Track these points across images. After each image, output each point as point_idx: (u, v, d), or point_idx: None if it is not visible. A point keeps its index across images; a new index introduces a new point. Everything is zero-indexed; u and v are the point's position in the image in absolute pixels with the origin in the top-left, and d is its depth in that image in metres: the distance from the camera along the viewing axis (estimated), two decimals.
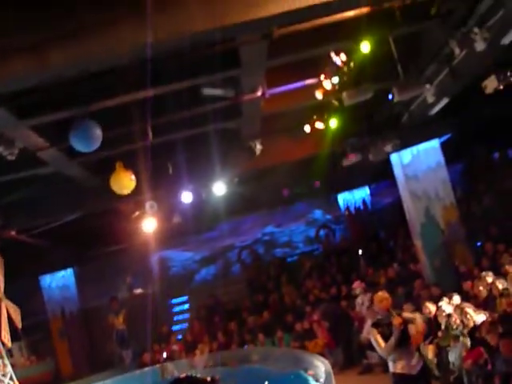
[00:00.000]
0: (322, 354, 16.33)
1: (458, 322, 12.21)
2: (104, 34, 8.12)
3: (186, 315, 25.67)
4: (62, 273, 26.89)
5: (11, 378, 18.56)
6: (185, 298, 26.16)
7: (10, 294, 19.08)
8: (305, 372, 14.72)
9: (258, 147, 15.63)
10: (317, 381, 13.07)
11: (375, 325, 8.95)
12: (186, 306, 26.11)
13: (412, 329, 9.16)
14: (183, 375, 4.33)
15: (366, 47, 11.01)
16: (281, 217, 26.88)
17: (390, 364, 8.82)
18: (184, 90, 11.89)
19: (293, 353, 16.96)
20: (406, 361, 8.67)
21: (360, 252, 22.82)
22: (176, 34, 8.20)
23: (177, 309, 25.86)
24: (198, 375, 4.18)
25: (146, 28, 7.70)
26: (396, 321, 8.63)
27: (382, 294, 9.21)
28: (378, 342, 8.77)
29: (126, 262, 25.91)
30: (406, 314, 9.36)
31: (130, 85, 10.98)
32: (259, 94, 12.39)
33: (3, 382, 18.18)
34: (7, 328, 18.85)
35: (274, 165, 18.36)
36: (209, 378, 4.71)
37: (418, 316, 9.94)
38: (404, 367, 8.65)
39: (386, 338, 8.73)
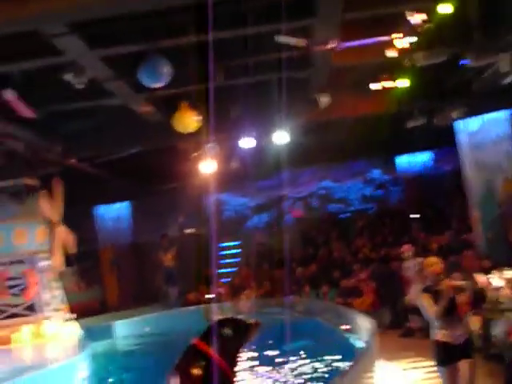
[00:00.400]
0: (368, 313, 16.37)
1: (509, 295, 12.09)
2: None
3: (236, 259, 25.86)
4: (117, 205, 27.30)
5: (60, 301, 19.02)
6: (235, 243, 26.33)
7: (65, 219, 19.45)
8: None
9: (324, 100, 15.50)
10: (359, 339, 13.11)
11: (425, 290, 8.83)
12: (236, 251, 26.29)
13: (461, 298, 9.01)
14: (227, 317, 4.35)
15: (445, 8, 10.77)
16: (339, 172, 26.75)
17: (435, 331, 8.68)
18: (257, 35, 11.81)
19: (337, 308, 17.00)
20: (450, 330, 8.52)
21: (414, 216, 22.67)
22: None
23: (227, 252, 26.05)
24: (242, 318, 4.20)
25: None
26: (446, 286, 8.53)
27: (434, 259, 9.06)
28: (428, 306, 8.65)
29: (180, 201, 26.13)
30: (456, 282, 9.24)
31: (204, 25, 10.94)
32: (332, 46, 12.24)
33: (52, 303, 18.63)
34: (60, 252, 19.27)
35: (338, 119, 18.24)
36: (252, 321, 4.73)
37: (467, 285, 9.76)
38: (448, 336, 8.51)
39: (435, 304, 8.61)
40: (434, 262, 8.92)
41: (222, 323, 4.47)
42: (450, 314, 8.51)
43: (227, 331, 4.18)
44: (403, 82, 14.74)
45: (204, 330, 4.15)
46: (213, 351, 3.67)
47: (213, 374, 3.60)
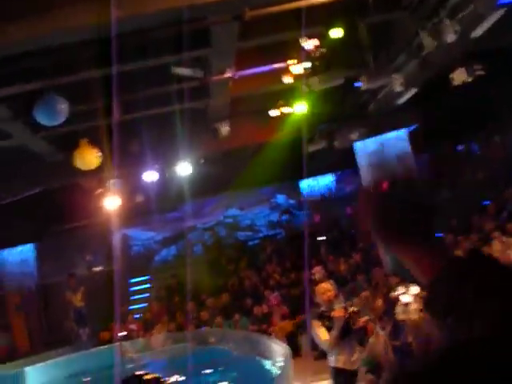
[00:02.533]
0: (288, 336, 16.43)
1: (418, 310, 12.28)
2: (66, 11, 8.01)
3: (146, 295, 25.60)
4: (20, 247, 26.65)
5: None
6: (145, 278, 26.08)
7: None
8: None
9: (225, 129, 15.57)
10: (274, 365, 13.11)
11: (318, 317, 8.71)
12: (146, 286, 26.03)
13: (362, 320, 8.87)
14: (135, 373, 4.28)
15: (336, 33, 10.99)
16: (244, 200, 26.87)
17: (331, 358, 8.59)
18: (152, 67, 11.80)
19: (251, 336, 16.98)
20: (347, 356, 8.47)
21: (321, 238, 22.92)
22: (141, 11, 8.11)
23: (137, 288, 25.77)
24: (147, 375, 4.13)
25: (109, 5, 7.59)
26: (337, 313, 8.38)
27: (325, 285, 8.91)
28: (319, 335, 8.53)
29: (86, 239, 25.75)
30: (352, 308, 9.17)
31: (99, 60, 10.86)
32: (228, 75, 12.32)
33: None
34: None
35: (239, 147, 18.34)
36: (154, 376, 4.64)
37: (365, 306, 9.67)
38: (345, 362, 8.44)
39: (329, 331, 8.47)
40: (327, 289, 8.79)
41: (141, 382, 4.39)
42: (346, 339, 8.43)
43: None
44: (301, 107, 14.93)
45: (124, 378, 4.10)
46: None
47: None
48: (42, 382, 18.93)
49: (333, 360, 8.53)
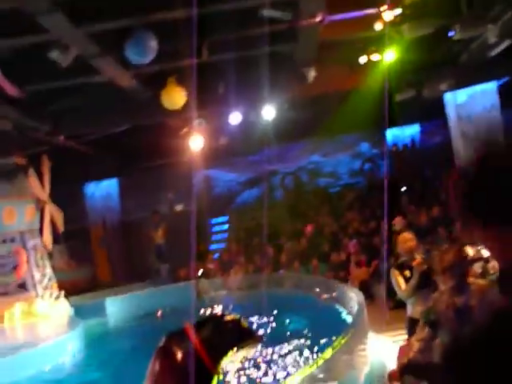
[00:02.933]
0: (363, 285, 16.46)
1: (496, 267, 12.13)
2: None
3: (225, 235, 25.89)
4: (106, 182, 27.22)
5: (50, 279, 19.04)
6: (225, 219, 26.35)
7: (54, 198, 19.43)
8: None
9: (312, 74, 15.46)
10: (348, 312, 13.18)
11: (397, 266, 8.74)
12: (226, 226, 26.31)
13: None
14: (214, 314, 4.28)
15: None
16: (327, 146, 26.73)
17: (409, 307, 8.64)
18: (244, 9, 11.76)
19: (327, 282, 17.05)
20: (423, 306, 8.45)
21: (403, 189, 22.70)
22: None
23: (217, 228, 26.08)
24: (227, 315, 4.11)
25: None
26: (417, 263, 8.38)
27: (406, 235, 8.92)
28: (398, 283, 8.55)
29: (170, 178, 26.07)
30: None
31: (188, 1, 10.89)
32: (318, 19, 12.18)
33: (42, 281, 18.66)
34: (49, 231, 19.28)
35: (325, 93, 18.20)
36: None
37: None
38: (421, 312, 8.46)
39: (407, 281, 8.52)
40: (408, 239, 8.77)
41: (220, 322, 4.33)
42: (424, 290, 8.41)
43: (224, 332, 4.10)
44: (391, 55, 14.71)
45: (203, 318, 4.13)
46: (199, 341, 3.65)
47: (192, 363, 3.60)
48: (121, 313, 19.43)
49: (410, 309, 8.57)
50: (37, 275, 18.47)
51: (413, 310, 8.52)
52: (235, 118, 18.14)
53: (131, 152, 23.78)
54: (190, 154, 19.85)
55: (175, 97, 14.28)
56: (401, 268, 8.61)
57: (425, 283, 8.41)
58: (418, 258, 8.46)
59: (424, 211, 19.46)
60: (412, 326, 8.55)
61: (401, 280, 8.53)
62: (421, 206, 20.27)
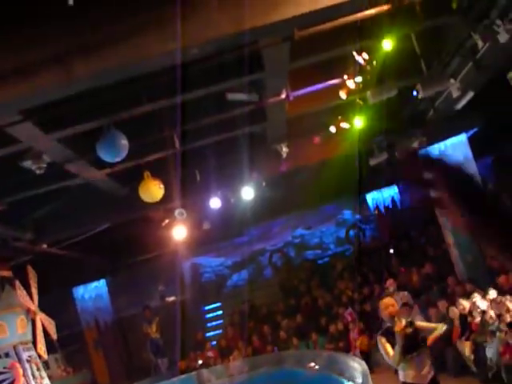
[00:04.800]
0: (365, 353, 16.30)
1: (494, 317, 12.10)
2: (128, 44, 8.17)
3: (220, 321, 25.68)
4: (94, 283, 27.05)
5: None
6: (218, 305, 26.17)
7: (43, 306, 19.25)
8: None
9: (285, 150, 15.60)
10: (350, 381, 13.03)
11: (383, 333, 8.60)
12: (219, 312, 26.12)
13: (433, 334, 8.74)
14: None
15: (388, 45, 10.96)
16: (310, 219, 26.80)
17: (400, 373, 8.49)
18: (210, 95, 11.92)
19: (328, 354, 16.89)
20: (415, 370, 8.34)
21: (391, 251, 22.73)
22: (200, 39, 8.23)
23: (210, 315, 25.88)
24: None
25: (170, 36, 7.75)
26: (397, 328, 8.25)
27: (388, 301, 8.78)
28: (386, 350, 8.42)
29: (157, 270, 25.98)
30: (420, 323, 9.05)
31: (156, 93, 11.04)
32: (283, 96, 12.38)
33: None
34: (43, 340, 19.04)
35: (301, 166, 18.36)
36: None
37: (439, 326, 9.43)
38: (414, 377, 8.32)
39: (394, 347, 8.36)
40: (389, 304, 8.68)
41: None
42: (413, 353, 8.31)
43: None
44: (359, 122, 14.89)
45: None
46: None
47: None
48: None
49: (402, 375, 8.44)
50: None
51: (404, 374, 8.40)
52: (215, 202, 18.21)
53: (116, 250, 23.71)
54: (174, 244, 19.84)
55: (152, 190, 14.30)
56: (386, 334, 8.50)
57: (413, 347, 8.32)
58: (401, 322, 8.35)
59: (415, 270, 19.45)
60: None
61: (388, 347, 8.40)
62: (411, 265, 20.26)
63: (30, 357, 18.62)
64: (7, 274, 18.50)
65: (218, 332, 24.81)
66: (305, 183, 20.76)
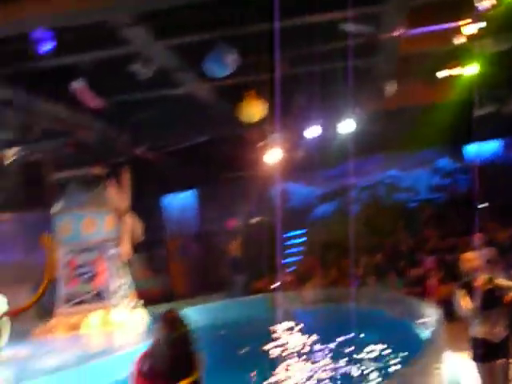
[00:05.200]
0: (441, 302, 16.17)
1: None
2: None
3: (301, 248, 25.79)
4: (183, 194, 27.52)
5: (128, 289, 19.31)
6: (301, 232, 26.24)
7: (134, 208, 19.73)
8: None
9: (391, 87, 15.35)
10: (426, 330, 12.96)
11: (462, 285, 8.51)
12: (302, 240, 26.21)
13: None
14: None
15: None
16: (406, 161, 26.43)
17: (473, 328, 8.42)
18: (323, 23, 11.75)
19: (404, 298, 16.82)
20: (489, 327, 8.25)
21: (484, 205, 22.29)
22: None
23: (292, 241, 26.00)
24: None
25: None
26: (478, 282, 8.18)
27: (472, 255, 8.69)
28: (462, 303, 8.34)
29: (246, 190, 26.17)
30: (501, 281, 8.88)
31: (270, 14, 10.93)
32: (399, 33, 12.09)
33: (120, 291, 18.93)
34: (128, 241, 19.56)
35: (404, 107, 18.04)
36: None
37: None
38: (486, 333, 8.24)
39: (471, 301, 8.25)
40: (472, 258, 8.59)
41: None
42: (489, 310, 8.21)
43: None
44: (471, 69, 14.47)
45: None
46: None
47: None
48: (197, 324, 19.47)
49: (474, 330, 8.36)
50: (115, 284, 18.75)
51: (477, 330, 8.31)
52: (313, 131, 18.11)
53: (209, 164, 23.93)
54: (266, 167, 19.91)
55: (253, 110, 14.35)
56: (465, 287, 8.41)
57: (490, 304, 8.22)
58: (482, 278, 8.25)
59: (504, 228, 19.08)
60: (476, 347, 8.38)
61: (465, 300, 8.32)
62: (501, 223, 19.87)
63: (114, 254, 19.21)
64: (102, 172, 18.99)
65: (297, 259, 24.93)
66: (406, 124, 20.39)
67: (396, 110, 18.57)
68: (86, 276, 18.87)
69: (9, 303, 15.19)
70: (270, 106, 14.66)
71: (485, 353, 8.26)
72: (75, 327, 17.85)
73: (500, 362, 8.23)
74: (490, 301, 8.21)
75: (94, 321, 17.91)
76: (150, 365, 4.76)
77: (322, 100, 16.30)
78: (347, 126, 17.55)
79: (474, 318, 8.29)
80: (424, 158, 26.26)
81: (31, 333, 18.22)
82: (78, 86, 13.07)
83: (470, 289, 8.30)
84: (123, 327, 17.85)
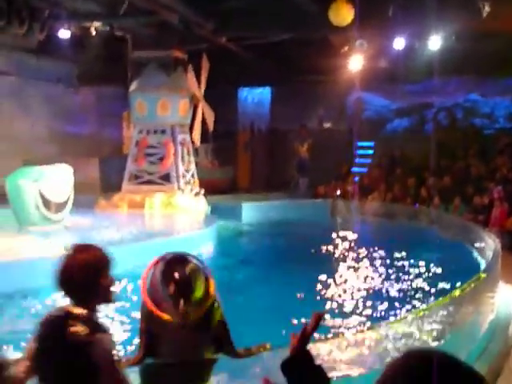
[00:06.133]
0: (504, 233, 16.04)
1: None
2: None
3: (368, 160, 25.66)
4: (259, 89, 27.45)
5: (193, 175, 19.60)
6: (371, 144, 26.05)
7: (208, 97, 19.80)
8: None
9: (486, 9, 14.85)
10: (482, 257, 12.89)
11: None
12: (371, 152, 26.04)
13: None
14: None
15: None
16: (488, 87, 25.75)
17: None
18: None
19: (464, 224, 16.70)
20: None
21: None
22: None
23: (361, 152, 25.86)
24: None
25: None
26: None
27: None
28: None
29: (322, 94, 25.99)
30: None
31: None
32: None
33: (185, 176, 19.23)
34: (199, 128, 19.75)
35: (497, 31, 17.49)
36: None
37: None
38: None
39: None
40: None
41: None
42: None
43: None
44: None
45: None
46: None
47: None
48: (256, 220, 19.70)
49: None
50: (181, 169, 19.04)
51: None
52: (399, 43, 17.76)
53: (289, 63, 23.74)
54: (346, 74, 19.69)
55: (343, 13, 14.08)
56: None
57: None
58: None
59: None
60: None
61: None
62: None
63: (183, 140, 19.45)
64: (183, 56, 19.01)
65: (363, 170, 24.83)
66: (495, 49, 19.81)
67: (488, 33, 18.01)
68: (154, 157, 19.17)
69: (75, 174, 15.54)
70: (360, 10, 14.34)
71: None
72: (138, 205, 18.27)
73: None
74: None
75: (157, 201, 18.29)
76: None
77: (412, 13, 15.90)
78: (435, 43, 17.16)
79: None
80: (506, 86, 25.53)
81: (95, 205, 18.73)
82: None
83: None
84: (184, 211, 18.19)
